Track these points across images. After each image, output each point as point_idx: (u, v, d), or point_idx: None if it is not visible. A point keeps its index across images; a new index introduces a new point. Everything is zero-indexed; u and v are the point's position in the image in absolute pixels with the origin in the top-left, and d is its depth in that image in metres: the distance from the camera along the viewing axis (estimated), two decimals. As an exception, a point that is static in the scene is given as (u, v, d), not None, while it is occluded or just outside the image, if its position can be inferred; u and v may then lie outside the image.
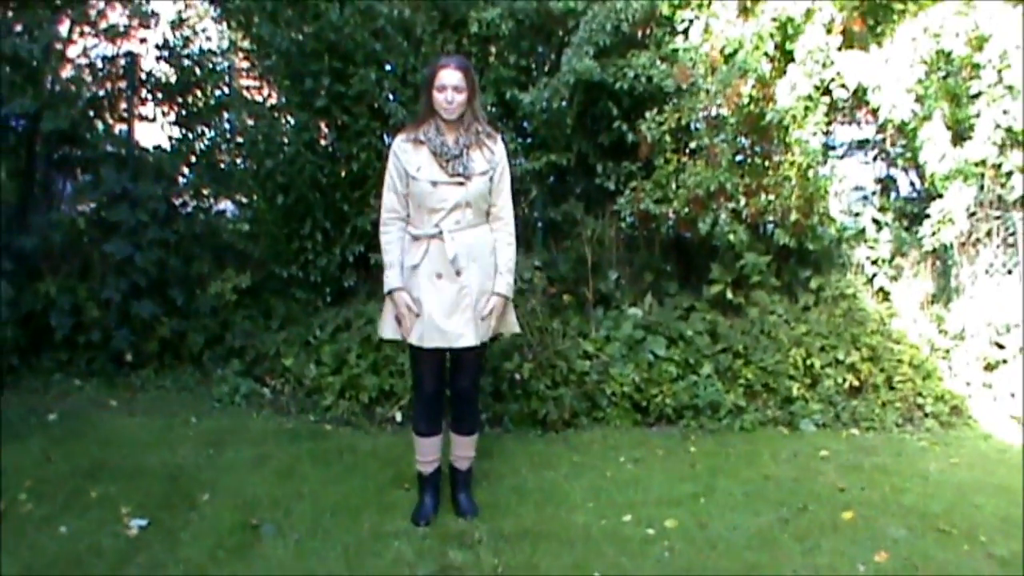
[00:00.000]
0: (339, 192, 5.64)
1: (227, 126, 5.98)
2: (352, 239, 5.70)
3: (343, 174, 5.66)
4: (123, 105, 6.14)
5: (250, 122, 5.64)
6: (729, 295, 5.52)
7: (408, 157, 3.42)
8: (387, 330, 3.57)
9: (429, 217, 3.41)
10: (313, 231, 5.66)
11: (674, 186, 5.31)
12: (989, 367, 5.29)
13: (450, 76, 3.34)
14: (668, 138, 5.30)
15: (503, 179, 3.50)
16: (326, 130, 5.67)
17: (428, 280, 3.43)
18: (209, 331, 5.84)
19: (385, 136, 5.66)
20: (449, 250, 3.38)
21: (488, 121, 3.61)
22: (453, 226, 3.41)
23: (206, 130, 6.12)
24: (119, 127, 6.15)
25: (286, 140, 5.52)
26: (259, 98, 5.81)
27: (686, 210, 5.30)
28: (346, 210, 5.65)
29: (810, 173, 5.10)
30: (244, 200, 6.07)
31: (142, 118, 6.20)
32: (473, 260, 3.46)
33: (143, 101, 6.19)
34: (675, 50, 5.24)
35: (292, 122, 5.58)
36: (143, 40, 6.16)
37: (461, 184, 3.38)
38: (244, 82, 6.07)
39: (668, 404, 5.08)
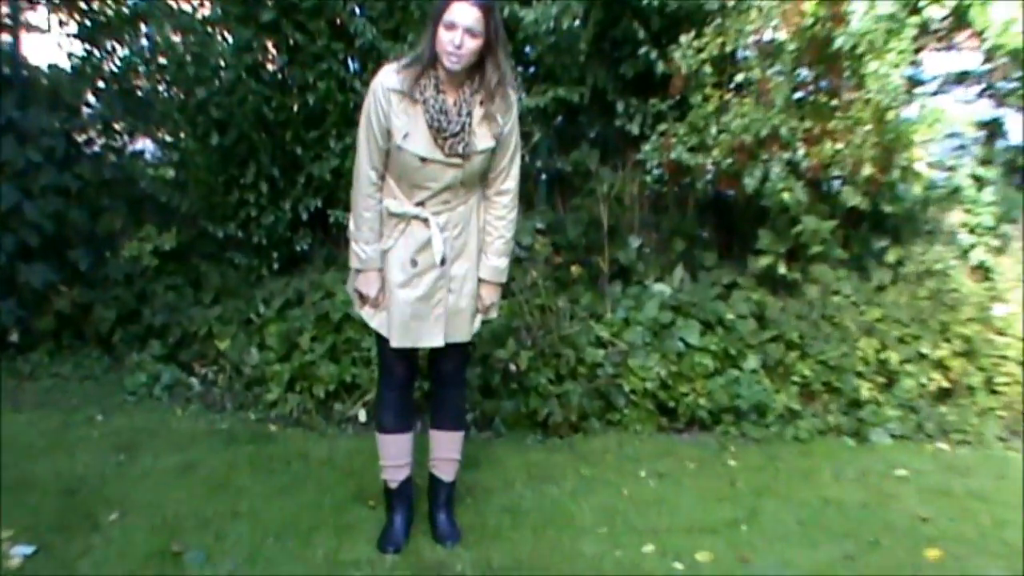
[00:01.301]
0: (290, 131, 5.62)
1: (145, 43, 5.89)
2: (306, 191, 5.70)
3: (295, 108, 5.64)
4: (4, 9, 6.04)
5: (175, 38, 5.58)
6: (781, 269, 5.52)
7: (394, 113, 3.31)
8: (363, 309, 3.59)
9: (411, 193, 3.38)
10: (257, 180, 5.65)
11: (714, 130, 5.29)
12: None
13: (464, 13, 3.18)
14: (708, 69, 5.25)
15: (508, 141, 3.43)
16: (274, 51, 5.68)
17: (399, 268, 3.42)
18: (122, 304, 5.81)
19: (350, 61, 5.65)
20: (436, 243, 3.37)
21: (505, 77, 3.45)
22: (441, 207, 3.39)
23: (117, 47, 6.04)
24: (0, 39, 6.02)
25: (222, 63, 5.49)
26: (187, 7, 5.73)
27: (728, 161, 5.28)
28: (299, 154, 5.64)
29: (890, 115, 5.04)
30: (168, 138, 6.04)
31: (31, 28, 6.13)
32: (460, 245, 3.47)
33: (32, 5, 6.10)
34: (718, -45, 5.04)
35: (230, 40, 5.57)
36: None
37: (458, 165, 3.35)
38: (168, -15, 5.87)
39: (702, 405, 5.11)
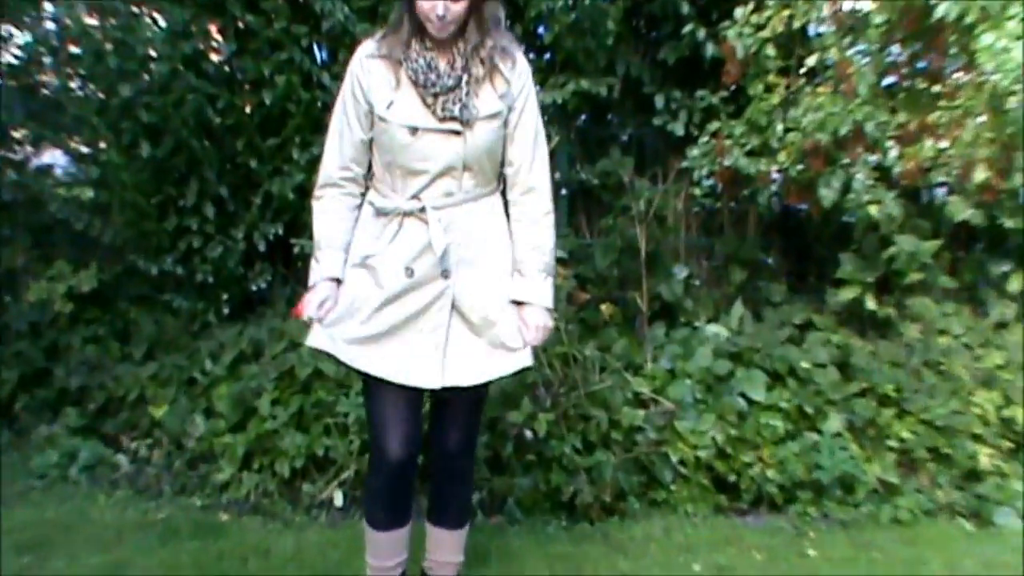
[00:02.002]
0: (242, 139, 5.63)
1: (52, 27, 5.84)
2: (264, 215, 5.69)
3: (248, 110, 5.68)
4: None
5: (91, 21, 5.54)
6: (870, 304, 5.49)
7: (375, 83, 3.36)
8: (317, 336, 3.47)
9: (404, 183, 3.38)
10: (200, 201, 5.66)
11: (779, 129, 5.30)
12: None
13: None
14: (771, 51, 5.28)
15: (526, 120, 3.46)
16: (219, 38, 5.70)
17: (392, 278, 3.37)
18: (26, 362, 5.78)
19: (317, 48, 5.69)
20: (436, 241, 3.33)
21: (504, 32, 3.55)
22: (442, 200, 3.38)
23: (14, 31, 5.98)
24: None
25: (153, 53, 5.49)
26: None
27: (799, 167, 5.28)
28: (254, 168, 5.65)
29: (1011, 102, 4.95)
30: (84, 150, 6.02)
31: None
32: (472, 256, 3.43)
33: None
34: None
35: (163, 24, 5.56)
36: None
37: (457, 133, 3.35)
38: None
39: (771, 479, 5.05)
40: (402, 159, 3.31)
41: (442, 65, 3.28)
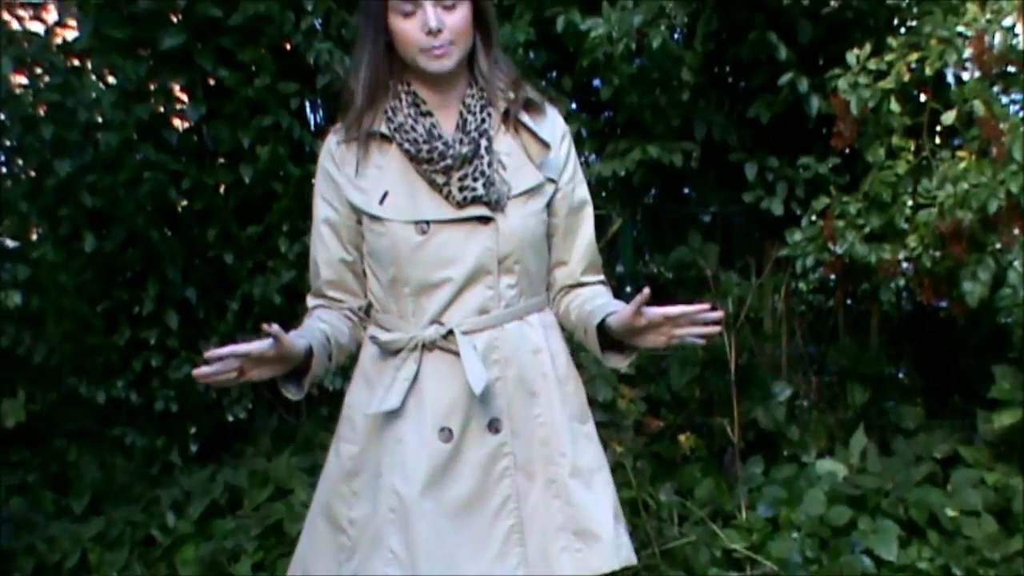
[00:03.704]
0: (214, 227, 5.42)
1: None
2: (242, 323, 5.46)
3: (222, 190, 5.50)
4: None
5: (19, 80, 5.36)
6: (1037, 431, 5.34)
7: (354, 177, 2.98)
8: (303, 569, 3.03)
9: (417, 304, 2.94)
10: (161, 308, 5.41)
11: (908, 205, 4.98)
12: None
13: None
14: (896, 105, 4.93)
15: (577, 199, 3.07)
16: (184, 98, 5.49)
17: (419, 446, 2.90)
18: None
19: (310, 110, 5.58)
20: (474, 375, 2.86)
21: (523, 77, 3.15)
22: (475, 320, 2.94)
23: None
24: None
25: (99, 118, 5.32)
26: (38, 28, 5.49)
27: (935, 254, 4.92)
28: (229, 264, 5.44)
29: None
30: (11, 243, 5.80)
31: None
32: (529, 391, 2.99)
33: None
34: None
35: (112, 82, 5.41)
36: None
37: (484, 221, 2.92)
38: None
39: (910, 666, 4.87)
40: (411, 270, 2.89)
41: (446, 128, 2.90)
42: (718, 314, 2.74)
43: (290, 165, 5.27)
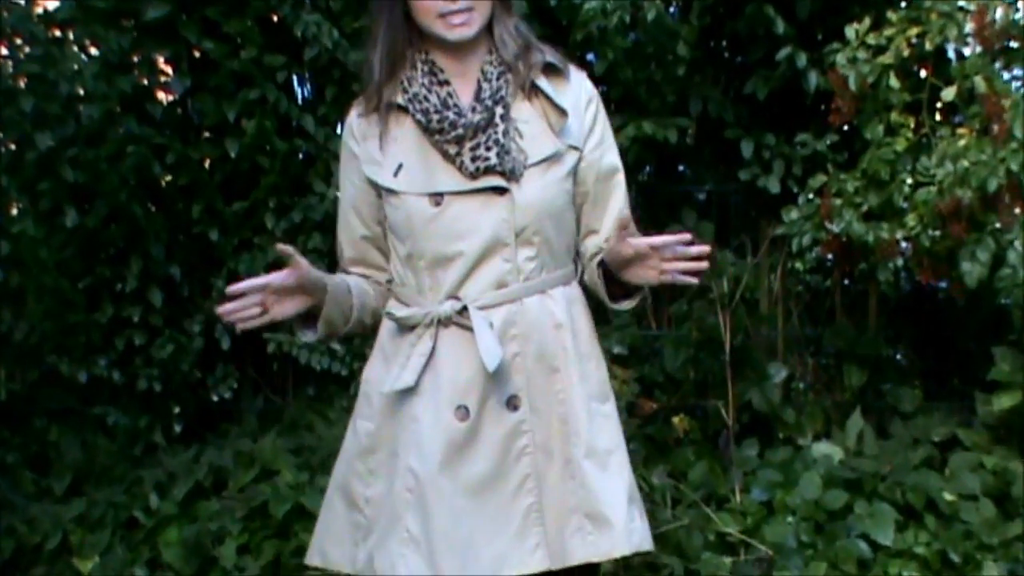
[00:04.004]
0: (199, 203, 5.39)
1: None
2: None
3: (207, 165, 5.57)
4: None
5: None
6: (1035, 413, 5.33)
7: (372, 148, 2.96)
8: (321, 553, 3.00)
9: (433, 278, 2.90)
10: (144, 285, 5.40)
11: (907, 183, 4.95)
12: None
13: None
14: (895, 81, 4.89)
15: (606, 163, 2.99)
16: (169, 70, 5.53)
17: (434, 424, 2.85)
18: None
19: (298, 84, 5.53)
20: (487, 351, 2.79)
21: (542, 41, 3.11)
22: (492, 295, 2.88)
23: None
24: None
25: (81, 90, 5.28)
26: None
27: (934, 234, 4.88)
28: (214, 240, 5.44)
29: None
30: None
31: None
32: (550, 367, 2.92)
33: None
34: None
35: (95, 53, 5.38)
36: None
37: (500, 192, 2.86)
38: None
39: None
40: (426, 244, 2.88)
41: (463, 97, 2.86)
42: (703, 248, 2.70)
43: (277, 140, 5.24)
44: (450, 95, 2.84)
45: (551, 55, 2.92)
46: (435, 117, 2.79)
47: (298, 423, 5.34)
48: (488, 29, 2.87)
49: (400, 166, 2.85)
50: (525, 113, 2.85)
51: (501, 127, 2.79)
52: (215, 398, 5.44)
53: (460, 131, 2.78)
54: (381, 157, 2.90)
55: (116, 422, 5.40)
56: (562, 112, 2.85)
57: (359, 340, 5.11)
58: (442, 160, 2.82)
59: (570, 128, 2.86)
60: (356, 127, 2.97)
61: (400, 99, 2.84)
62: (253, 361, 5.49)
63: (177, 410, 5.43)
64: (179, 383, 5.42)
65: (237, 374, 5.47)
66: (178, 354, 5.31)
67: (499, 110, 2.80)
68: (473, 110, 2.80)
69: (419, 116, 2.81)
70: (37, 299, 5.42)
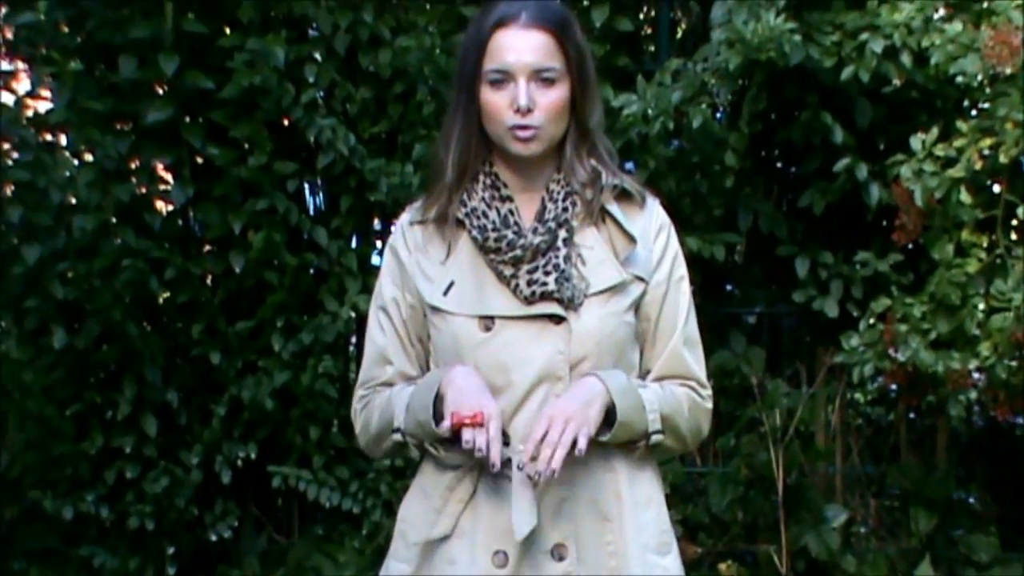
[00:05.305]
0: (200, 323, 5.36)
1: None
2: (229, 431, 5.36)
3: (209, 281, 5.53)
4: None
5: None
6: None
7: (423, 260, 2.82)
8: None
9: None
10: (138, 412, 5.30)
11: (980, 308, 4.83)
12: None
13: (522, 44, 2.68)
14: (965, 196, 4.77)
15: (672, 300, 2.81)
16: (170, 177, 5.45)
17: (469, 568, 2.68)
18: None
19: (309, 193, 5.45)
20: (519, 518, 2.60)
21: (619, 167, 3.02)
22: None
23: None
24: None
25: (73, 200, 5.22)
26: (8, 99, 5.31)
27: (1011, 364, 4.74)
28: (216, 364, 5.37)
29: None
30: None
31: None
32: (602, 515, 2.68)
33: None
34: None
35: (88, 157, 5.31)
36: None
37: (556, 320, 2.69)
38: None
39: None
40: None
41: (526, 216, 2.73)
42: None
43: (286, 254, 5.16)
44: (511, 212, 2.69)
45: (627, 181, 2.76)
46: (492, 235, 2.64)
47: (304, 566, 5.22)
48: (560, 146, 2.72)
49: (451, 284, 2.68)
50: (590, 239, 2.68)
51: (563, 251, 2.63)
52: (213, 537, 5.30)
53: (518, 252, 2.62)
54: (433, 272, 2.72)
55: (103, 564, 5.26)
56: (631, 239, 2.69)
57: (373, 474, 5.05)
58: (496, 281, 2.66)
59: (637, 257, 2.69)
60: (408, 233, 2.78)
61: (459, 212, 2.69)
62: (255, 496, 5.38)
63: (171, 551, 5.31)
64: (174, 520, 5.29)
65: (238, 511, 5.35)
66: (173, 488, 5.20)
67: (562, 233, 2.64)
68: (535, 231, 2.64)
69: (475, 232, 2.67)
70: (19, 427, 5.33)
